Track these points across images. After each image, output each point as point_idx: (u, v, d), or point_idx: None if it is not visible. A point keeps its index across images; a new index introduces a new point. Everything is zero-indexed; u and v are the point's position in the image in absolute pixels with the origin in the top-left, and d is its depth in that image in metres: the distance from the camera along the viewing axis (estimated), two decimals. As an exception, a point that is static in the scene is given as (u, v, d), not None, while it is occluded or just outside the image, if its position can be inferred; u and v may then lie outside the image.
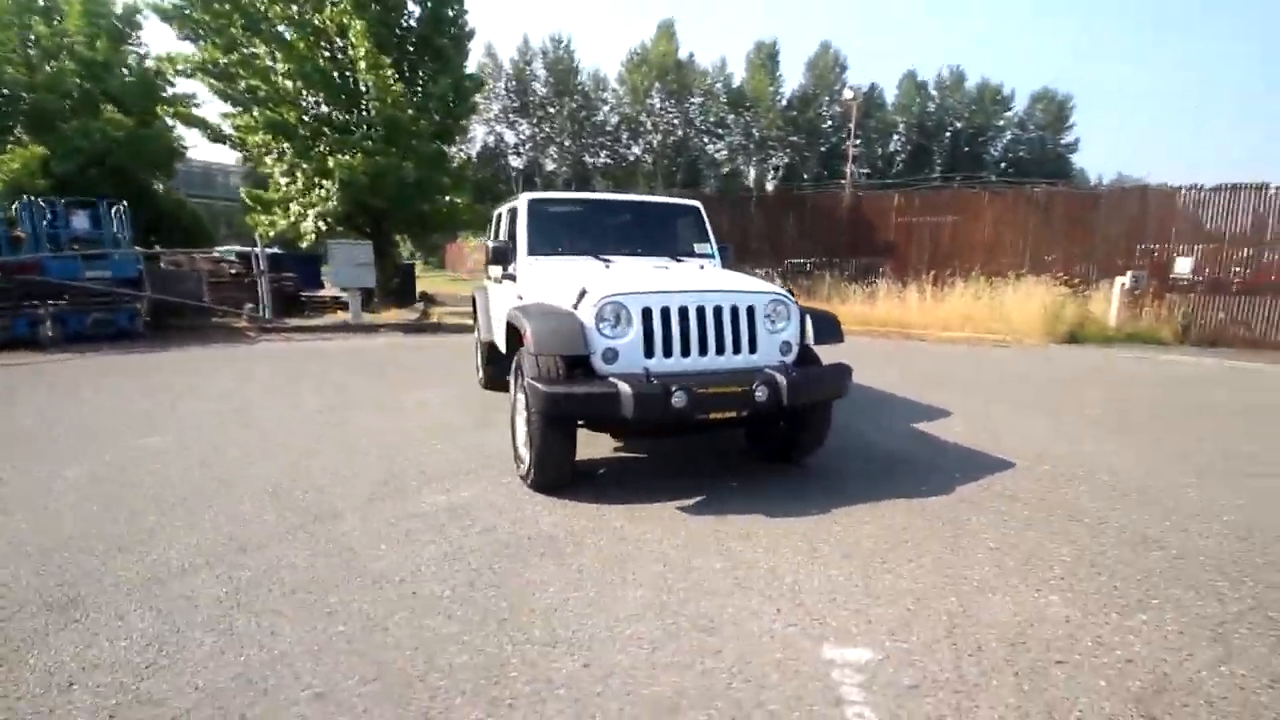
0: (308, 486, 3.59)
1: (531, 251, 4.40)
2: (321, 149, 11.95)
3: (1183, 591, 2.51)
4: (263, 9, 11.05)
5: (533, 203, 4.60)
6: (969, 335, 11.29)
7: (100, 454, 4.14)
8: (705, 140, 53.94)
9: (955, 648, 2.13)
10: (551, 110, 49.76)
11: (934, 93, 57.76)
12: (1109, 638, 2.20)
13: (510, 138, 51.18)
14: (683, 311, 3.36)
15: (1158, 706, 1.86)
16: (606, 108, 51.60)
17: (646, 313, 3.31)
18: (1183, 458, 4.29)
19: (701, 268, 4.39)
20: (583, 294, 3.32)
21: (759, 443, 4.17)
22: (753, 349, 3.48)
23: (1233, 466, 4.10)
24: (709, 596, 2.44)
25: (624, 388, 3.04)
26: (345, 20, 11.17)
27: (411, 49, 12.97)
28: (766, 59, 52.36)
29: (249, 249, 13.82)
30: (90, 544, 2.84)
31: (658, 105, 50.90)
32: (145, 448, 4.30)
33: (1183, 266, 11.59)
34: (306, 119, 12.47)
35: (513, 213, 5.05)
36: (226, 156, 36.48)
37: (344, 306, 13.63)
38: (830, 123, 55.79)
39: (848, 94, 30.74)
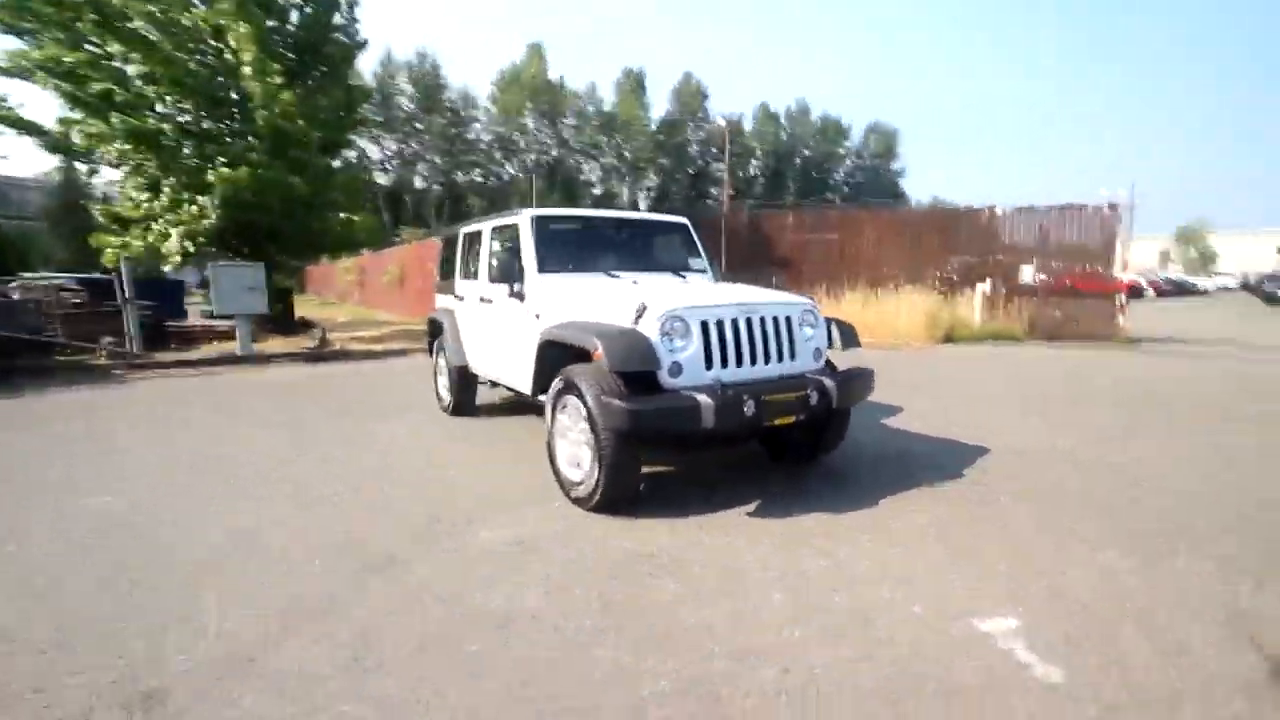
0: (336, 534, 3.21)
1: (542, 269, 4.29)
2: (194, 161, 10.63)
3: (1199, 541, 3.02)
4: (119, 3, 9.64)
5: (537, 220, 4.49)
6: (865, 340, 12.43)
7: (38, 520, 3.40)
8: (580, 161, 54.59)
9: (1080, 606, 2.41)
10: (419, 126, 47.79)
11: (785, 123, 63.06)
12: (1183, 583, 2.60)
13: (374, 153, 48.38)
14: (734, 323, 3.47)
15: (1258, 632, 2.25)
16: (478, 125, 50.55)
17: (704, 326, 3.38)
18: (1104, 435, 5.09)
19: (717, 282, 4.53)
20: (642, 309, 3.32)
21: (773, 446, 4.35)
22: (792, 356, 3.67)
23: (1146, 438, 4.94)
24: (840, 593, 2.55)
25: (704, 399, 3.09)
26: (224, 22, 10.07)
27: (295, 56, 11.97)
28: (635, 85, 54.30)
29: (92, 275, 11.91)
30: (114, 626, 2.36)
31: (531, 125, 50.77)
32: (93, 509, 3.59)
33: (1026, 275, 13.67)
34: (168, 129, 11.03)
35: (501, 231, 4.89)
36: (13, 169, 30.36)
37: (220, 336, 12.17)
38: (696, 147, 58.84)
39: (720, 121, 33.01)
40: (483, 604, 2.50)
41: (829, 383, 3.52)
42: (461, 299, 5.60)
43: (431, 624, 2.36)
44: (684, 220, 5.19)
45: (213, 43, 10.81)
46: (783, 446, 4.21)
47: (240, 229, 11.50)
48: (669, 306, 3.32)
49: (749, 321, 3.52)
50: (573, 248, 4.55)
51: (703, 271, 4.97)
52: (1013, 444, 4.74)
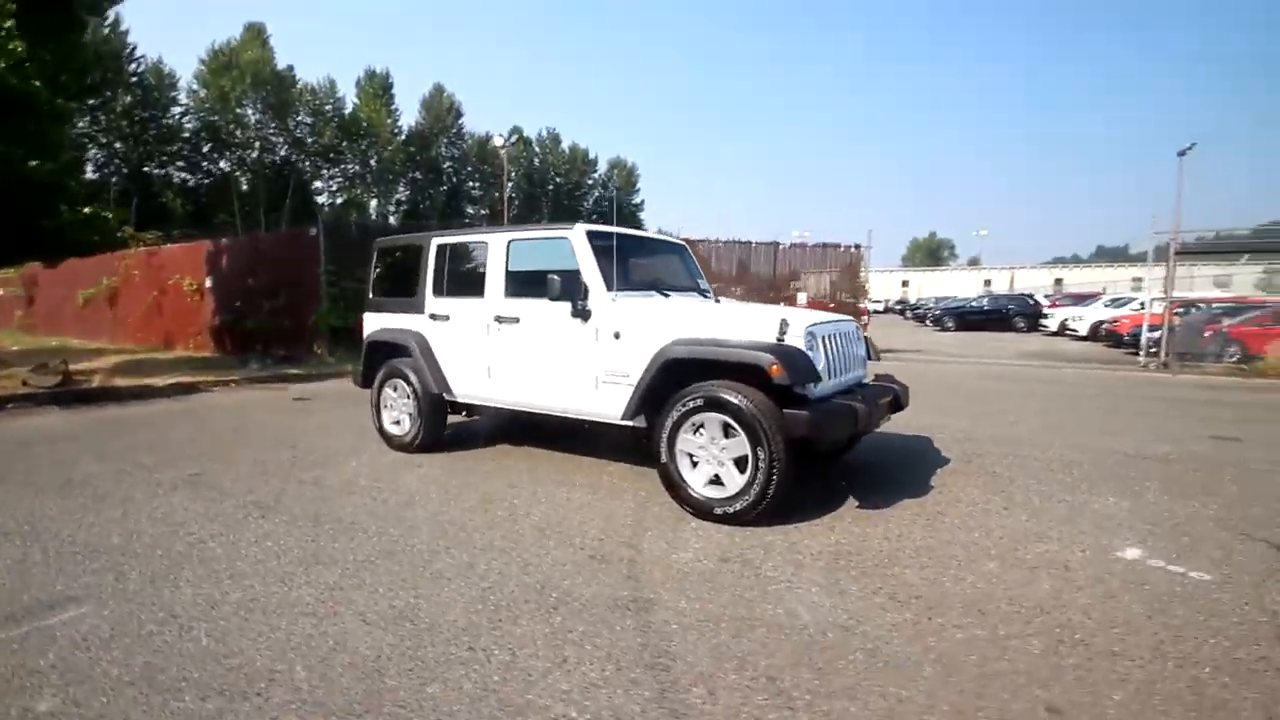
0: (540, 592, 2.76)
1: (610, 288, 4.14)
2: None
3: (1139, 481, 4.35)
4: None
5: (592, 235, 4.30)
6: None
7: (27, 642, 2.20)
8: (318, 164, 48.47)
9: (1149, 530, 3.38)
10: (92, 102, 37.30)
11: (537, 148, 64.79)
12: (1171, 508, 3.78)
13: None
14: (834, 338, 3.90)
15: (1244, 528, 3.44)
16: (179, 110, 41.49)
17: (823, 340, 3.74)
18: (979, 418, 6.71)
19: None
20: (785, 326, 3.54)
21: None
22: (858, 366, 4.24)
23: (1005, 416, 6.67)
24: (1022, 552, 3.14)
25: (859, 406, 3.46)
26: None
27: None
28: (380, 89, 50.38)
29: None
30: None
31: (253, 118, 43.46)
32: (75, 626, 2.43)
33: (801, 300, 16.57)
34: None
35: (528, 245, 4.56)
36: None
37: None
38: (450, 163, 56.92)
39: (497, 141, 32.63)
40: (790, 617, 2.50)
41: (897, 387, 4.17)
42: (443, 318, 4.95)
43: (788, 648, 2.29)
44: (683, 242, 5.43)
45: None
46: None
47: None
48: (806, 323, 3.61)
49: (840, 336, 3.99)
50: (616, 266, 4.46)
51: (708, 291, 5.27)
52: (937, 431, 5.99)
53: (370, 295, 5.61)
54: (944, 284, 69.80)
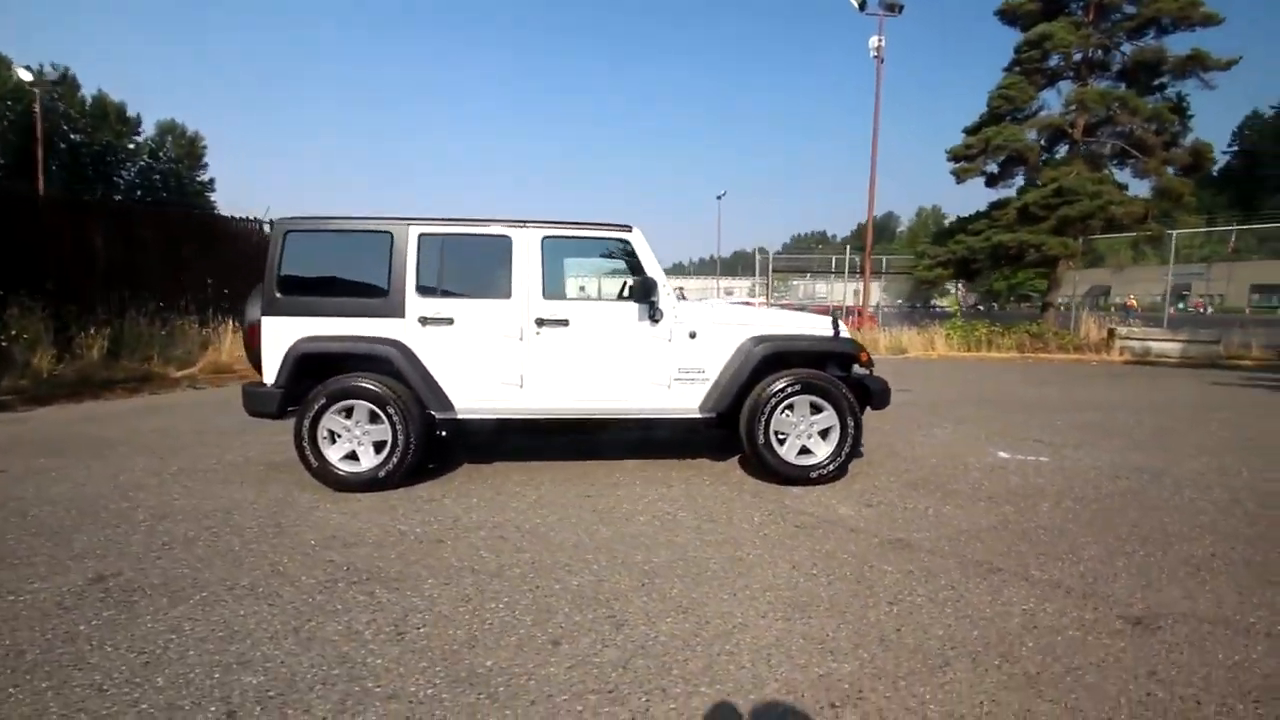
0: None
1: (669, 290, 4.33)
2: None
3: (937, 413, 6.73)
4: None
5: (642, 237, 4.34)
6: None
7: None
8: None
9: (986, 438, 5.54)
10: None
11: (37, 91, 45.90)
12: (979, 433, 6.12)
13: None
14: (826, 331, 5.03)
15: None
16: None
17: (834, 331, 4.83)
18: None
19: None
20: (836, 323, 4.48)
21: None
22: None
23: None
24: (966, 460, 4.85)
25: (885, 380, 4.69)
26: None
27: None
28: None
29: None
30: None
31: None
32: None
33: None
34: None
35: (567, 243, 4.34)
36: None
37: None
38: None
39: (23, 74, 20.29)
40: (993, 521, 3.53)
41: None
42: (442, 322, 4.13)
43: (1043, 544, 3.32)
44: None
45: None
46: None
47: None
48: (839, 320, 4.62)
49: (825, 328, 5.13)
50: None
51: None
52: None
53: (277, 295, 4.13)
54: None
